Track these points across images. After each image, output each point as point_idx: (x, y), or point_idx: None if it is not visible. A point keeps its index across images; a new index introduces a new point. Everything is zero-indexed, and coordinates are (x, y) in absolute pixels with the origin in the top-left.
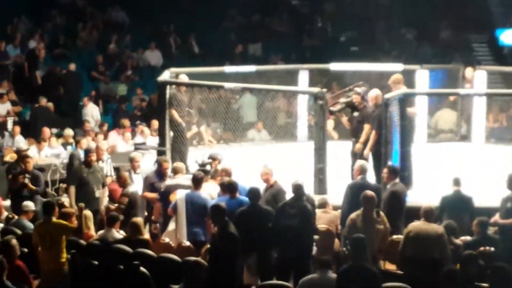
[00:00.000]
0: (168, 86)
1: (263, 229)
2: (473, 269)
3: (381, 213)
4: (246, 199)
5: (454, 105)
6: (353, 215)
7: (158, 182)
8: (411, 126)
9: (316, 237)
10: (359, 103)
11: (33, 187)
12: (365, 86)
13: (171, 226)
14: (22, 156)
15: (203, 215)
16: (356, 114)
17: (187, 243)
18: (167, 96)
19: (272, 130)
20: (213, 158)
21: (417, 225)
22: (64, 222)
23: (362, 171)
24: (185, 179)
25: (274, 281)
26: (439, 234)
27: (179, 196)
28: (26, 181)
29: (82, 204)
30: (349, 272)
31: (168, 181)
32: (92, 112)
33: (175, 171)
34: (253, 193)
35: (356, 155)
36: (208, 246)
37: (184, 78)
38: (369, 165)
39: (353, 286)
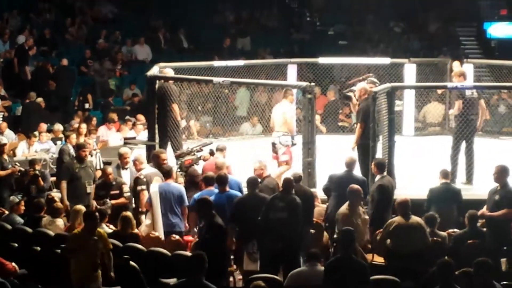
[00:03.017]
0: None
1: None
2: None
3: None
4: (236, 193)
5: (442, 98)
6: (344, 210)
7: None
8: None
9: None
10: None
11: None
12: (373, 77)
13: (148, 220)
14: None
15: (179, 204)
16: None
17: (177, 237)
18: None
19: (262, 124)
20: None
21: (396, 219)
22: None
23: (347, 164)
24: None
25: (264, 275)
26: (419, 226)
27: (152, 189)
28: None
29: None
30: (337, 265)
31: (144, 171)
32: None
33: (140, 162)
34: (251, 182)
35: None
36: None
37: (170, 72)
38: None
39: (341, 278)
